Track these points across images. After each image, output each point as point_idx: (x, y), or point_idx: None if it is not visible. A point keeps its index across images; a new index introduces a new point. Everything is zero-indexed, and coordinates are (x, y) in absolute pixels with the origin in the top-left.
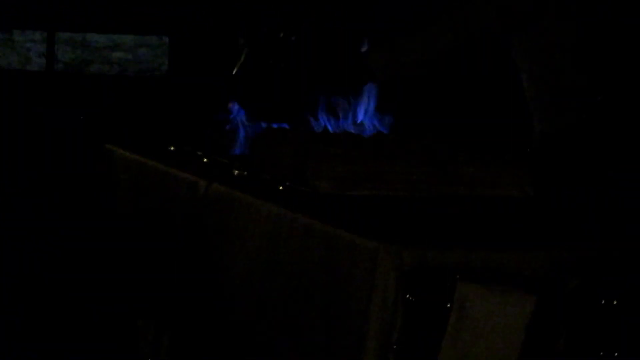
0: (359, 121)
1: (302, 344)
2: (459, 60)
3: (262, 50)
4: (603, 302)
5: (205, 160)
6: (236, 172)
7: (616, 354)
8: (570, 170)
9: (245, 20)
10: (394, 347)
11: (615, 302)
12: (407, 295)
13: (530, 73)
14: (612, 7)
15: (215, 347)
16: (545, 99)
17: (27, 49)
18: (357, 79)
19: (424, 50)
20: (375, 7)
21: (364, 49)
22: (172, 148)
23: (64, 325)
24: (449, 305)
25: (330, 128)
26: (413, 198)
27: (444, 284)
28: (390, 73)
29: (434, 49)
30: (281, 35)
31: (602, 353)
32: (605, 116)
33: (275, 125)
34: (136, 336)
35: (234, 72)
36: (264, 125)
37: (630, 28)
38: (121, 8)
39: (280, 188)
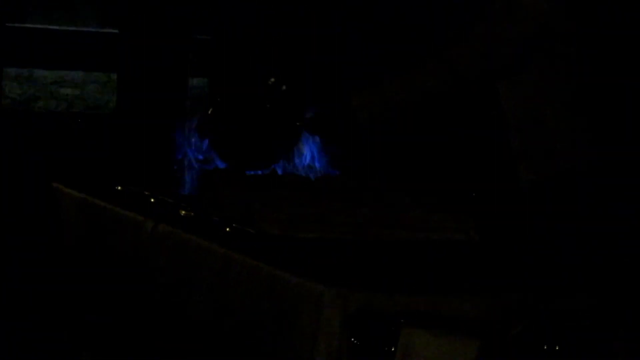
0: (306, 164)
1: None
2: (443, 103)
3: (257, 95)
4: (545, 347)
5: (152, 200)
6: (183, 212)
7: None
8: (555, 219)
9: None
10: None
11: (557, 347)
12: (352, 339)
13: (518, 119)
14: (601, 52)
15: None
16: (533, 146)
17: None
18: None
19: (408, 93)
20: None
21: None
22: (119, 187)
23: None
24: (393, 350)
25: (278, 170)
26: (359, 241)
27: (389, 328)
28: (374, 115)
29: (419, 92)
30: (272, 80)
31: None
32: (595, 164)
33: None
34: None
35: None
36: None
37: (618, 72)
38: (69, 43)
39: (228, 230)
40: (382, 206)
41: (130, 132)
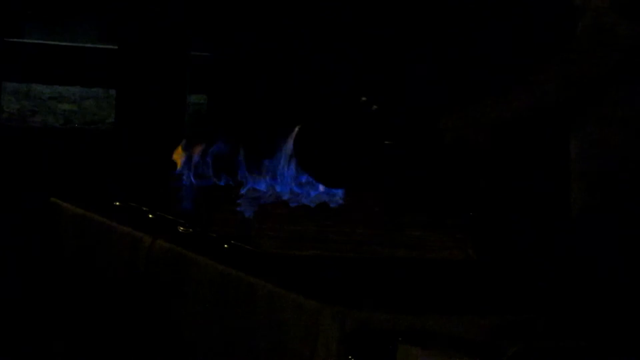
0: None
1: None
2: (530, 125)
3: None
4: None
5: (150, 216)
6: (181, 229)
7: None
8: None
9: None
10: None
11: None
12: (350, 357)
13: (588, 142)
14: None
15: None
16: (597, 169)
17: None
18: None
19: (493, 116)
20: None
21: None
22: (117, 203)
23: None
24: None
25: (277, 188)
26: (357, 259)
27: (386, 347)
28: (462, 137)
29: (510, 113)
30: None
31: None
32: None
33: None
34: None
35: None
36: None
37: None
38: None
39: (226, 246)
40: (380, 225)
41: (129, 148)
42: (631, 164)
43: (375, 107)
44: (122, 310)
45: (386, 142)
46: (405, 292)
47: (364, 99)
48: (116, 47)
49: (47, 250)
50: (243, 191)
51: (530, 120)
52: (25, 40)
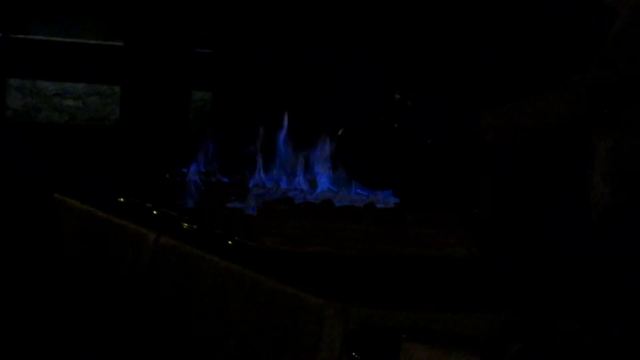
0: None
1: None
2: (574, 128)
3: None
4: None
5: (154, 212)
6: (185, 225)
7: None
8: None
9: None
10: None
11: None
12: (353, 354)
13: (613, 142)
14: None
15: None
16: (621, 169)
17: None
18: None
19: (540, 117)
20: None
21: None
22: (122, 199)
23: None
24: None
25: (282, 185)
26: (361, 256)
27: (390, 343)
28: (503, 138)
29: (551, 117)
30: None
31: None
32: None
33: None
34: None
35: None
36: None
37: None
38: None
39: (230, 243)
40: (384, 222)
41: (133, 144)
42: None
43: (409, 103)
44: (126, 306)
45: (428, 141)
46: (408, 290)
47: (398, 96)
48: (121, 44)
49: (51, 246)
50: (250, 186)
51: (572, 124)
52: (31, 37)
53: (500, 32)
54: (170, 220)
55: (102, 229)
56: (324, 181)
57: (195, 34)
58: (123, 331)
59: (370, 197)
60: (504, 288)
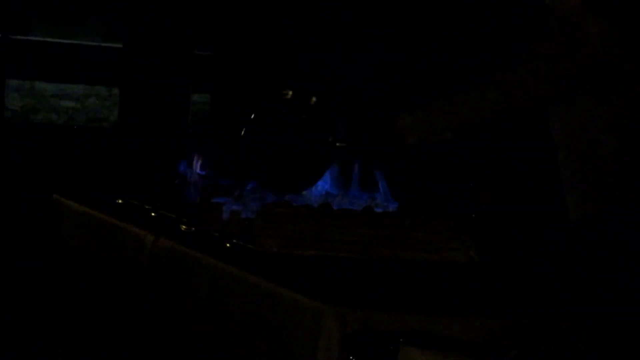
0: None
1: None
2: (493, 126)
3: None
4: None
5: (153, 214)
6: (183, 227)
7: None
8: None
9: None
10: None
11: None
12: (350, 358)
13: (570, 149)
14: None
15: None
16: (584, 178)
17: None
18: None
19: (459, 115)
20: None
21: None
22: (120, 201)
23: None
24: None
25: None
26: (359, 260)
27: (388, 347)
28: (421, 137)
29: (470, 114)
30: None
31: None
32: None
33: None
34: None
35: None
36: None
37: None
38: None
39: (228, 245)
40: (382, 226)
41: (132, 146)
42: (622, 169)
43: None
44: (124, 307)
45: (338, 144)
46: (407, 294)
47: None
48: (120, 46)
49: (49, 247)
50: (247, 189)
51: (500, 120)
52: (30, 38)
53: (429, 26)
54: (168, 222)
55: (101, 231)
56: (322, 184)
57: (194, 36)
58: (121, 332)
59: (369, 201)
60: (502, 293)
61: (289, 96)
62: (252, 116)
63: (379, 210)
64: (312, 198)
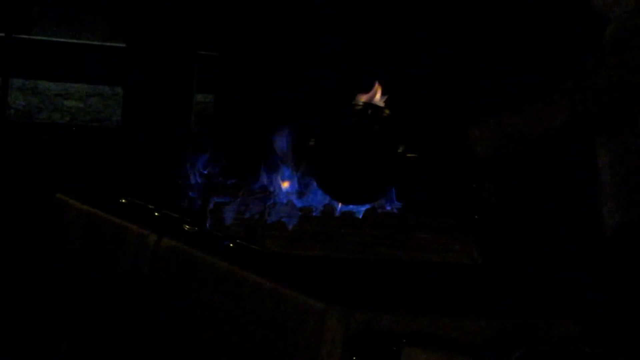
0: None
1: None
2: (569, 137)
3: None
4: None
5: (156, 214)
6: (187, 227)
7: None
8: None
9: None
10: None
11: None
12: (353, 358)
13: (614, 162)
14: None
15: None
16: (622, 188)
17: None
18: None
19: (532, 126)
20: None
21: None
22: (123, 200)
23: None
24: None
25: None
26: (362, 260)
27: (391, 347)
28: (492, 149)
29: (543, 124)
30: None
31: None
32: None
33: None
34: None
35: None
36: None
37: None
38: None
39: (231, 245)
40: (386, 227)
41: (135, 145)
42: None
43: (387, 112)
44: (127, 307)
45: (408, 154)
46: (410, 294)
47: (384, 107)
48: (123, 45)
49: (52, 247)
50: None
51: (572, 131)
52: (33, 37)
53: (488, 39)
54: (171, 222)
55: (104, 230)
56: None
57: (198, 35)
58: (123, 331)
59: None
60: (505, 294)
61: (360, 107)
62: (320, 128)
63: (382, 210)
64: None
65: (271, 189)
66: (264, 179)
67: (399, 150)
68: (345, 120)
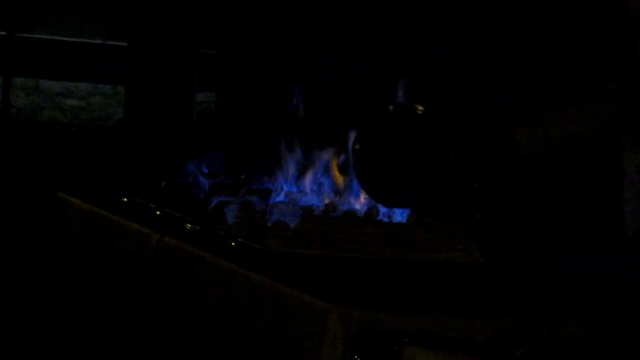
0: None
1: None
2: (613, 138)
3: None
4: None
5: (158, 212)
6: (189, 226)
7: None
8: None
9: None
10: None
11: None
12: (355, 357)
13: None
14: None
15: None
16: None
17: None
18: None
19: (576, 128)
20: None
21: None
22: (125, 199)
23: None
24: None
25: (285, 187)
26: (364, 259)
27: (392, 347)
28: (536, 151)
29: (587, 126)
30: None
31: None
32: None
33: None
34: None
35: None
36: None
37: None
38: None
39: (233, 244)
40: (387, 226)
41: (137, 144)
42: None
43: (420, 110)
44: (129, 306)
45: (445, 146)
46: (411, 294)
47: (417, 105)
48: (125, 44)
49: (54, 245)
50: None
51: (617, 131)
52: (35, 36)
53: (488, 39)
54: (173, 221)
55: (106, 229)
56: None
57: (199, 34)
58: (125, 331)
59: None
60: (507, 293)
61: (419, 110)
62: (364, 129)
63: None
64: (317, 197)
65: (276, 187)
66: (266, 178)
67: (442, 151)
68: (382, 122)
